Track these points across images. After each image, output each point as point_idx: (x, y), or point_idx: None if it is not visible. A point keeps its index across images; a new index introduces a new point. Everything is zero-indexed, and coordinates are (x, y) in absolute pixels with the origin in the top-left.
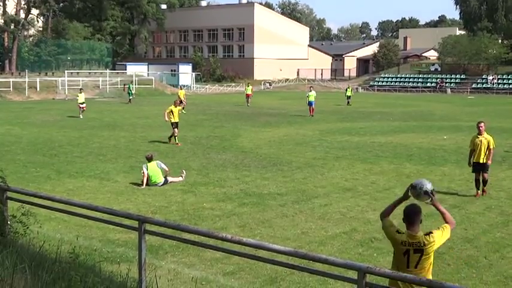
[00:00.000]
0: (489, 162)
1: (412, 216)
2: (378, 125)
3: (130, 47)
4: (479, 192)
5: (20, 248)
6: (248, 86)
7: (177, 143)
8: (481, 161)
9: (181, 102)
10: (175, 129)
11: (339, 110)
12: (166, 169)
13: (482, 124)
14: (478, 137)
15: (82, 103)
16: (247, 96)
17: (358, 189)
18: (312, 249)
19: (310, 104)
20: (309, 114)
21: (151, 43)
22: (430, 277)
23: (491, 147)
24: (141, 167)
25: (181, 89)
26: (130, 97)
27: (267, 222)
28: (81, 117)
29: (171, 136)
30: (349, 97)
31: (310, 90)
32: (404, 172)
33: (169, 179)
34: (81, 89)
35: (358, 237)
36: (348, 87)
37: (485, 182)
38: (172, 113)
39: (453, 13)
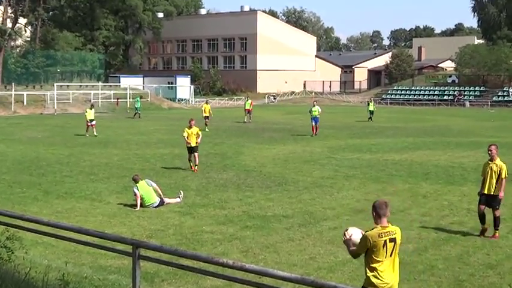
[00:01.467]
0: (501, 194)
1: (384, 209)
2: (391, 142)
3: (124, 58)
4: (485, 227)
5: (4, 275)
6: (247, 100)
7: (192, 167)
8: (489, 192)
9: (206, 118)
10: (193, 154)
11: (349, 126)
12: (156, 187)
13: (492, 148)
14: (489, 163)
15: (91, 120)
16: (247, 111)
17: (370, 211)
18: (320, 276)
19: (314, 120)
20: (312, 133)
21: (146, 54)
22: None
23: (504, 176)
24: (132, 189)
25: (207, 103)
26: (139, 111)
27: (272, 247)
28: (95, 134)
29: (190, 161)
30: (371, 112)
31: (314, 105)
32: (420, 192)
33: (166, 200)
34: (92, 105)
35: None
36: (370, 101)
37: (496, 221)
38: (189, 137)
39: (471, 21)
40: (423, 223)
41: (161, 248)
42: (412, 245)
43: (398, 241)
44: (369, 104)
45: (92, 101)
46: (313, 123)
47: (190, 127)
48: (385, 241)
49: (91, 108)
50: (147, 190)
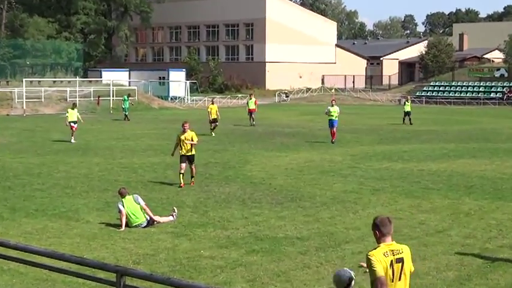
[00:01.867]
0: None
1: (388, 226)
2: (427, 148)
3: (106, 49)
4: None
5: None
6: (251, 99)
7: (182, 184)
8: None
9: (213, 121)
10: (182, 165)
11: (377, 129)
12: (145, 207)
13: None
14: None
15: (74, 122)
16: (250, 111)
17: (402, 232)
18: None
19: (331, 124)
20: (331, 138)
21: (133, 43)
22: None
23: None
24: (116, 205)
25: (213, 103)
26: (126, 113)
27: (284, 275)
28: (73, 141)
29: (181, 174)
30: (408, 113)
31: (332, 105)
32: (462, 209)
33: (157, 218)
34: (74, 104)
35: None
36: (407, 100)
37: None
38: (182, 144)
39: None
40: (466, 246)
41: (151, 277)
42: (452, 272)
43: (407, 262)
44: (405, 104)
45: (72, 99)
46: (331, 128)
47: (183, 131)
48: (391, 261)
49: (73, 108)
50: (134, 208)
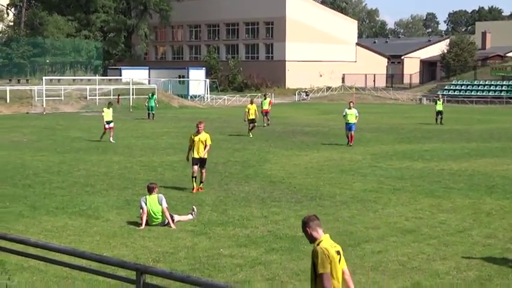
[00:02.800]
0: None
1: (316, 220)
2: (448, 147)
3: (126, 47)
4: None
5: None
6: (265, 99)
7: (197, 188)
8: None
9: (252, 122)
10: (195, 167)
11: (397, 128)
12: (165, 210)
13: None
14: None
15: (109, 121)
16: (264, 112)
17: (422, 232)
18: None
19: (349, 128)
20: (348, 141)
21: (153, 41)
22: None
23: None
24: (139, 201)
25: (251, 103)
26: (153, 111)
27: (303, 274)
28: (112, 141)
29: (194, 177)
30: (440, 112)
31: (350, 107)
32: (483, 209)
33: (176, 217)
34: (109, 103)
35: None
36: (438, 99)
37: None
38: (194, 146)
39: None
40: (487, 247)
41: (170, 275)
42: (473, 272)
43: (342, 254)
44: (436, 103)
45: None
46: (348, 131)
47: (197, 132)
48: (337, 251)
49: (109, 107)
50: (156, 207)
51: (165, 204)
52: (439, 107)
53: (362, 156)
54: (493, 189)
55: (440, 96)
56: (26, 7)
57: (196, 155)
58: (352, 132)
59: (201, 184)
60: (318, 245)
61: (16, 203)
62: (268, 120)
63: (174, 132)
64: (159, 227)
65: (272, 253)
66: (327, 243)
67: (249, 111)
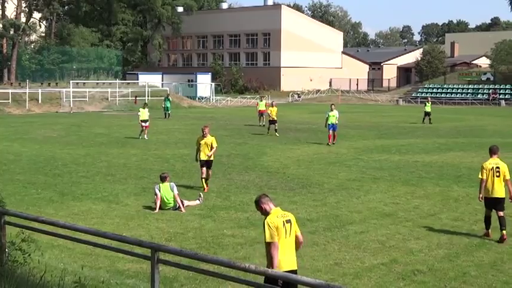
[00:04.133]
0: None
1: (266, 197)
2: (421, 142)
3: (142, 55)
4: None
5: (19, 278)
6: (261, 101)
7: (205, 188)
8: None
9: (273, 122)
10: (203, 169)
11: (377, 126)
12: (177, 196)
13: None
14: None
15: (145, 121)
16: (260, 112)
17: (398, 215)
18: (346, 283)
19: (332, 128)
20: (328, 141)
21: (166, 50)
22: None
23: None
24: (153, 189)
25: (272, 105)
26: (169, 111)
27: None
28: (146, 137)
29: (203, 179)
30: (428, 113)
31: (332, 109)
32: (451, 196)
33: (185, 202)
34: (145, 104)
35: (398, 269)
36: (428, 101)
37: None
38: (201, 148)
39: (508, 15)
40: (455, 228)
41: (181, 252)
42: (442, 250)
43: (294, 224)
44: (425, 105)
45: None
46: (331, 131)
47: (203, 136)
48: (283, 221)
49: (144, 108)
50: (168, 194)
51: (176, 191)
52: (428, 108)
53: (346, 150)
54: (460, 178)
55: (429, 98)
56: (55, 20)
57: (203, 157)
58: (336, 132)
59: (207, 181)
60: (265, 218)
61: (47, 190)
62: (264, 119)
63: (184, 129)
64: (171, 211)
65: None
66: (274, 215)
67: (270, 113)
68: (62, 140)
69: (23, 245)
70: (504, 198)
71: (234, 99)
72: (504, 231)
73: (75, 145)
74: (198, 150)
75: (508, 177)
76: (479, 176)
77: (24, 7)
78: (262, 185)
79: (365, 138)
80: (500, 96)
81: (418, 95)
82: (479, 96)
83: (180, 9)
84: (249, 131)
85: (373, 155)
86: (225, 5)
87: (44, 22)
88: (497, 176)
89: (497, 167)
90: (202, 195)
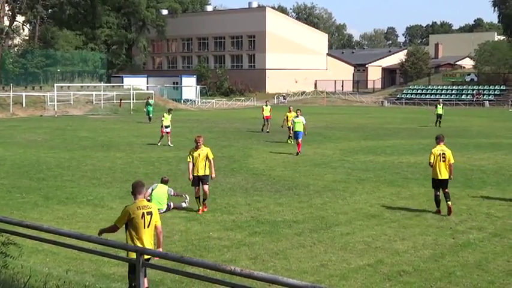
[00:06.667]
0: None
1: (140, 188)
2: (406, 143)
3: (127, 58)
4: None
5: (2, 283)
6: (266, 106)
7: (201, 209)
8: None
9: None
10: (196, 188)
11: (362, 127)
12: (174, 194)
13: None
14: None
15: (167, 126)
16: (266, 118)
17: (384, 216)
18: (332, 284)
19: (296, 135)
20: (298, 150)
21: (150, 53)
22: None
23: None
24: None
25: (290, 111)
26: (151, 115)
27: (282, 254)
28: (171, 144)
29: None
30: (440, 116)
31: (297, 115)
32: None
33: (172, 205)
34: (169, 109)
35: (384, 270)
36: (439, 103)
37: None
38: (195, 162)
39: (491, 16)
40: (440, 228)
41: (166, 255)
42: (428, 251)
43: (155, 215)
44: (437, 107)
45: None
46: (296, 139)
47: (197, 148)
48: (143, 213)
49: (169, 113)
50: (161, 195)
51: (171, 192)
52: (440, 110)
53: (332, 151)
54: None
55: (441, 100)
56: (39, 23)
57: (195, 173)
58: (299, 140)
59: (205, 201)
60: (127, 206)
61: (31, 194)
62: (269, 126)
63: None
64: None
65: (255, 236)
66: (135, 205)
67: (287, 118)
68: (46, 143)
69: (3, 248)
70: (448, 179)
71: (219, 101)
72: (449, 202)
73: (59, 149)
74: (191, 165)
75: (452, 161)
76: (429, 160)
77: (8, 10)
78: (248, 187)
79: (350, 140)
80: (484, 97)
81: (402, 96)
82: (463, 97)
83: (165, 11)
84: (234, 133)
85: (359, 156)
86: (209, 8)
87: (28, 25)
88: (443, 161)
89: (443, 153)
90: (188, 198)
